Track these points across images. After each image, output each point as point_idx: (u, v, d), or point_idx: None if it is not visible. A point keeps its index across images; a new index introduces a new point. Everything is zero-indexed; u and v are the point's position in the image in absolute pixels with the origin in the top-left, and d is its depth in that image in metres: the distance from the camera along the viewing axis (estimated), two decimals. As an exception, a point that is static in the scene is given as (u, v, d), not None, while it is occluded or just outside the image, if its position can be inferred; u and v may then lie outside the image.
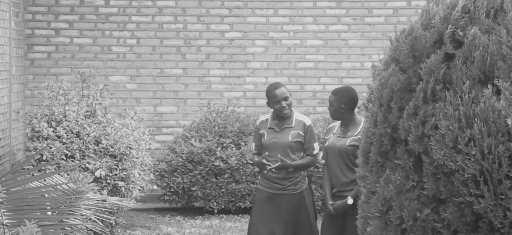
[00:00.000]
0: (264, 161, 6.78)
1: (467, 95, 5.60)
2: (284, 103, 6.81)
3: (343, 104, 6.58)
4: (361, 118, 6.68)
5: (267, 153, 6.83)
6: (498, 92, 5.58)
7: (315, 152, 6.92)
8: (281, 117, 6.87)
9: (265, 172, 6.85)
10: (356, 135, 6.55)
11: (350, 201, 6.53)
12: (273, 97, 6.81)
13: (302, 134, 6.85)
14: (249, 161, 9.89)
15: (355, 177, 6.51)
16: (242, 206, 10.06)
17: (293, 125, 6.88)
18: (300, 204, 6.90)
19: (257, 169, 8.80)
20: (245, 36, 11.11)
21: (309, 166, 7.08)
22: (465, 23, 5.79)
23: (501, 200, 5.48)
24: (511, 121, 5.41)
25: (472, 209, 5.57)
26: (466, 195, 5.55)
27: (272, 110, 6.96)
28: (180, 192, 10.08)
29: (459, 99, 5.62)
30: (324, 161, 6.72)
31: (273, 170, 6.76)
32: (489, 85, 5.58)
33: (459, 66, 5.70)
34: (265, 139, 6.90)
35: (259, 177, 7.08)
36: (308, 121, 6.94)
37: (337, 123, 6.72)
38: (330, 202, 6.62)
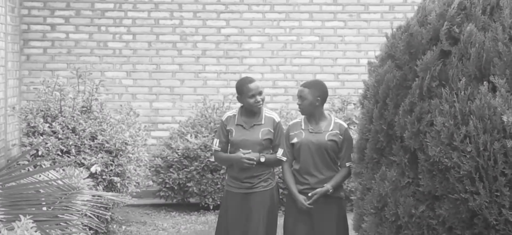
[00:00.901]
0: (242, 155, 6.48)
1: (463, 92, 5.60)
2: (259, 98, 6.55)
3: (318, 97, 6.37)
4: (330, 113, 6.55)
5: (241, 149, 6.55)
6: (494, 89, 5.58)
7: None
8: (250, 113, 6.61)
9: (249, 165, 6.53)
10: (331, 130, 6.38)
11: (330, 188, 6.30)
12: (248, 91, 6.53)
13: (272, 131, 6.61)
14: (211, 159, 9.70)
15: (330, 174, 6.33)
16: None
17: (262, 122, 6.62)
18: (271, 202, 6.65)
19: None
20: (241, 32, 11.10)
21: (279, 163, 6.74)
22: (461, 20, 5.79)
23: (497, 197, 5.49)
24: (507, 118, 5.41)
25: (467, 205, 5.57)
26: (462, 192, 5.55)
27: (240, 105, 6.68)
28: (175, 188, 10.08)
29: (455, 96, 5.62)
30: (285, 158, 6.42)
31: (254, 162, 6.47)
32: (485, 82, 5.58)
33: (455, 63, 5.70)
34: (234, 136, 6.61)
35: (227, 178, 6.76)
36: (277, 117, 6.72)
37: (301, 118, 6.49)
38: (308, 195, 6.31)
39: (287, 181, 6.41)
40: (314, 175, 6.34)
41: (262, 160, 6.55)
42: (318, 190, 6.29)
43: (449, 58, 5.76)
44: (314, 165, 6.34)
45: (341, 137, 6.35)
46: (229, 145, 6.66)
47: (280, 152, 6.46)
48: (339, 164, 6.41)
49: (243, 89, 6.55)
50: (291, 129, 6.43)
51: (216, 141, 6.71)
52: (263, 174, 6.63)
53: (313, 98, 6.35)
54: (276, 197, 6.73)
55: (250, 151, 6.51)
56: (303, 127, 6.39)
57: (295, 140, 6.37)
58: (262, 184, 6.62)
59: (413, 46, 5.89)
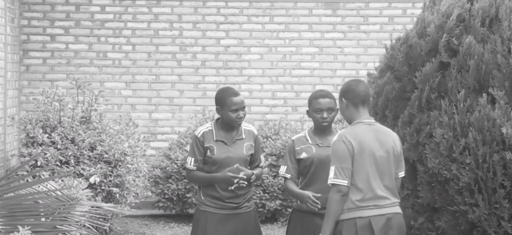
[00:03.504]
0: (230, 174, 5.87)
1: (462, 104, 5.60)
2: (241, 113, 5.94)
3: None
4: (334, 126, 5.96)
5: (236, 165, 5.94)
6: (493, 101, 5.58)
7: (261, 164, 6.16)
8: (229, 128, 6.00)
9: (232, 188, 5.95)
10: None
11: None
12: (232, 104, 5.91)
13: (253, 145, 6.07)
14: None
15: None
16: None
17: (243, 136, 6.03)
18: (255, 223, 6.11)
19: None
20: (241, 43, 11.11)
21: (260, 178, 6.24)
22: (460, 32, 5.79)
23: (496, 209, 5.48)
24: (506, 130, 5.41)
25: (466, 217, 5.57)
26: (461, 204, 5.55)
27: (216, 118, 6.12)
28: (174, 198, 10.07)
29: (454, 108, 5.62)
30: (289, 176, 5.86)
31: (244, 184, 5.92)
32: (484, 94, 5.58)
33: (454, 74, 5.70)
34: (216, 154, 5.95)
35: (202, 197, 6.03)
36: (255, 130, 6.16)
37: (304, 133, 5.92)
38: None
39: (291, 189, 5.82)
40: (325, 192, 5.56)
41: (253, 177, 6.03)
42: None
43: (448, 70, 5.76)
44: (326, 182, 5.56)
45: None
46: (210, 163, 6.01)
47: (282, 169, 5.91)
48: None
49: (227, 101, 5.93)
50: (297, 143, 5.88)
51: (191, 160, 6.00)
52: (247, 193, 6.05)
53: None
54: (257, 219, 6.24)
55: (237, 165, 5.94)
56: (310, 142, 5.84)
57: (304, 155, 5.83)
58: (247, 204, 6.05)
59: (412, 57, 5.89)
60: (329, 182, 5.14)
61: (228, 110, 5.91)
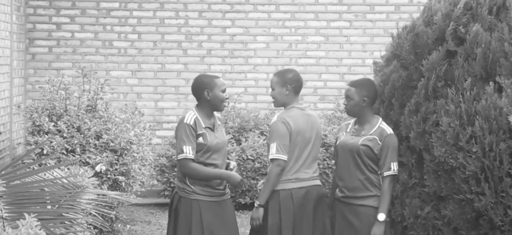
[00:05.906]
0: (239, 177, 5.95)
1: (468, 93, 5.58)
2: (227, 95, 5.98)
3: (365, 97, 5.83)
4: (378, 117, 5.95)
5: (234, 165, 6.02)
6: (500, 89, 5.56)
7: None
8: (210, 115, 5.97)
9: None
10: (370, 134, 5.80)
11: (381, 217, 5.76)
12: (221, 84, 5.93)
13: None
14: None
15: (364, 180, 5.80)
16: (242, 202, 10.05)
17: (219, 122, 6.08)
18: (232, 209, 6.17)
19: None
20: (247, 32, 11.10)
21: None
22: (467, 20, 5.77)
23: (502, 198, 5.47)
24: (513, 118, 5.39)
25: (472, 206, 5.56)
26: (467, 193, 5.53)
27: (196, 106, 6.04)
28: (180, 187, 10.08)
29: (461, 96, 5.61)
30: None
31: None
32: (491, 82, 5.56)
33: (460, 63, 5.69)
34: (209, 140, 5.85)
35: (190, 186, 5.91)
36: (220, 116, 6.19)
37: (352, 121, 5.97)
38: None
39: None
40: (346, 181, 5.85)
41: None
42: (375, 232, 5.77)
43: (455, 58, 5.75)
44: (347, 170, 5.85)
45: (380, 143, 5.77)
46: (203, 150, 5.86)
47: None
48: (379, 173, 5.81)
49: (216, 82, 5.91)
50: (339, 130, 6.09)
51: (188, 148, 5.83)
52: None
53: (360, 99, 5.83)
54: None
55: (234, 165, 6.04)
56: (348, 129, 5.95)
57: (337, 142, 5.98)
58: (228, 190, 6.06)
59: (418, 46, 5.87)
60: (270, 157, 5.86)
61: (219, 90, 5.92)
